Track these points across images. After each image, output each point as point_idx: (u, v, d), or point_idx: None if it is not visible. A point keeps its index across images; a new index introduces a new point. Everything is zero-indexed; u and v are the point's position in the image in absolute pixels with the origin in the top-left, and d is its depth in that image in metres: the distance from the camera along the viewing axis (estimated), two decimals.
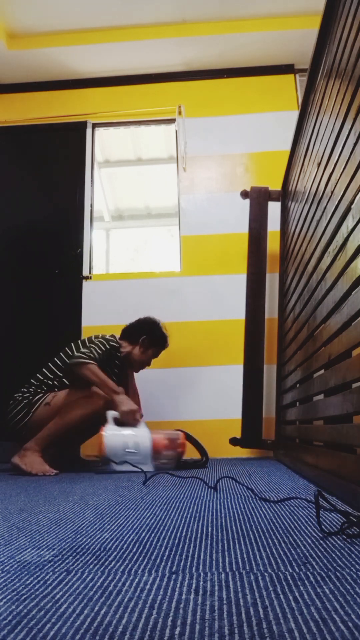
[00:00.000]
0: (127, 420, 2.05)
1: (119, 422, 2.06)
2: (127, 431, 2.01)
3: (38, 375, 2.26)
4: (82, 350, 2.16)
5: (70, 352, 2.26)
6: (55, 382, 2.21)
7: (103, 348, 2.19)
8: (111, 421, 2.03)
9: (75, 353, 2.17)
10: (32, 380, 2.24)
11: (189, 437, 2.15)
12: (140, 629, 0.43)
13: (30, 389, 2.20)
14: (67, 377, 2.21)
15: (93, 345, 2.18)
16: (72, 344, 2.31)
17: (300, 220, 2.04)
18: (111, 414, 2.04)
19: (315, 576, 0.57)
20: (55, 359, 2.29)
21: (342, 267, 1.23)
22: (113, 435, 1.96)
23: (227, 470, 1.92)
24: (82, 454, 2.65)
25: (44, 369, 2.27)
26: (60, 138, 3.36)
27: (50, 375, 2.23)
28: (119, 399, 2.07)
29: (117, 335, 2.41)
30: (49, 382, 2.21)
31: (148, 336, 2.36)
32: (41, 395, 2.15)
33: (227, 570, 0.61)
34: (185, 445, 2.10)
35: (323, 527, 0.83)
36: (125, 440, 1.96)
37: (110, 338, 2.30)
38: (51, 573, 0.62)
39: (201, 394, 2.79)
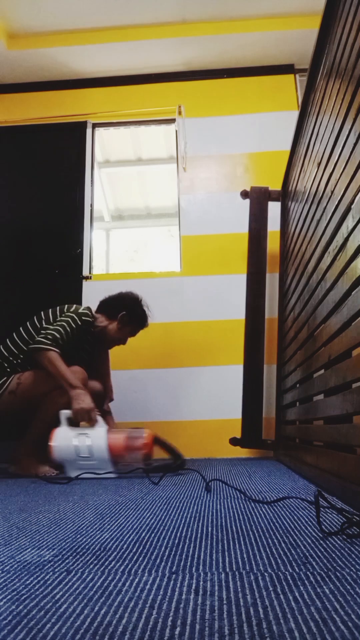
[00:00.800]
0: (82, 419, 1.84)
1: (73, 422, 1.88)
2: (79, 434, 1.78)
3: (1, 349, 2.06)
4: (49, 329, 1.96)
5: (38, 323, 2.06)
6: (18, 361, 2.00)
7: (73, 325, 2.01)
8: (64, 422, 1.82)
9: (41, 331, 1.96)
10: None
11: (156, 440, 1.87)
12: (140, 629, 0.43)
13: None
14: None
15: (62, 323, 1.99)
16: (42, 313, 2.11)
17: (300, 220, 2.04)
18: (64, 413, 1.83)
19: (315, 576, 0.57)
20: (21, 329, 2.08)
21: (342, 267, 1.23)
22: (62, 440, 1.75)
23: (227, 470, 1.92)
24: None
25: (7, 341, 2.05)
26: (60, 138, 3.36)
27: (14, 351, 2.02)
28: (74, 393, 1.85)
29: (93, 308, 2.24)
30: (13, 360, 2.01)
31: (128, 312, 2.19)
32: (5, 379, 1.97)
33: (227, 570, 0.61)
34: (150, 444, 1.81)
35: (323, 527, 0.83)
36: (76, 445, 1.74)
37: (83, 312, 2.09)
38: (51, 573, 0.62)
39: (201, 394, 2.79)
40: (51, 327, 1.98)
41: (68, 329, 1.98)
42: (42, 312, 2.13)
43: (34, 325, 2.09)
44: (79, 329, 2.04)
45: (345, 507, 1.02)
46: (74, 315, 2.06)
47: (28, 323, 2.12)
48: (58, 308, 2.14)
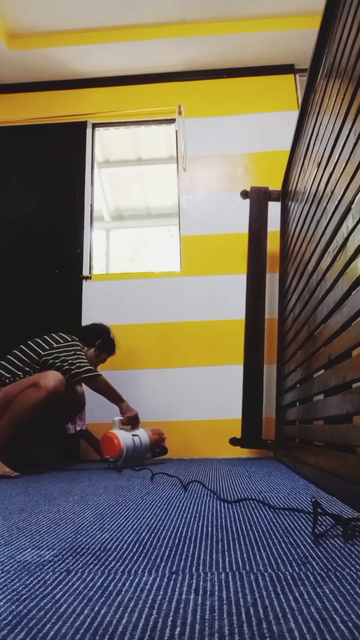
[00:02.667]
0: (131, 423, 2.30)
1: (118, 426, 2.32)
2: (133, 434, 2.28)
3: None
4: (81, 359, 2.18)
5: (38, 349, 2.18)
6: (8, 381, 2.12)
7: (80, 348, 2.27)
8: (117, 425, 2.29)
9: (74, 361, 2.14)
10: None
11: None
12: (140, 629, 0.43)
13: None
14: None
15: (80, 352, 2.23)
16: (40, 341, 2.22)
17: (300, 220, 2.04)
18: (117, 419, 2.30)
19: (315, 576, 0.57)
20: (18, 352, 2.19)
21: (342, 267, 1.23)
22: (127, 438, 2.23)
23: (227, 470, 1.92)
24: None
25: (2, 362, 2.18)
26: (60, 138, 3.36)
27: (10, 369, 2.14)
28: (124, 405, 2.30)
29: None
30: (3, 379, 2.11)
31: (103, 341, 2.49)
32: None
33: (227, 570, 0.61)
34: (165, 438, 2.42)
35: (321, 529, 0.83)
36: (135, 440, 2.25)
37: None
38: (51, 573, 0.62)
39: (201, 394, 2.79)
40: (81, 358, 2.20)
41: (84, 355, 2.27)
42: (39, 340, 2.24)
43: (35, 350, 2.19)
44: None
45: (345, 508, 1.02)
46: (78, 343, 2.28)
47: (24, 348, 2.21)
48: (56, 336, 2.27)
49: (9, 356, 2.19)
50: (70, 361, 2.14)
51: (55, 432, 2.44)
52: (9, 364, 2.15)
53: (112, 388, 2.26)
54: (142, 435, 2.30)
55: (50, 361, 2.13)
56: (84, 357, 2.21)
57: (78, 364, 2.14)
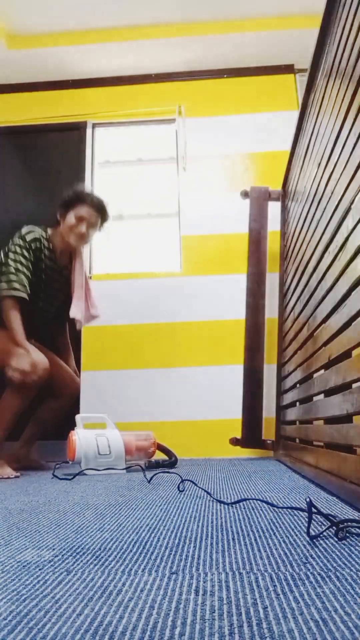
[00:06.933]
0: (15, 378, 1.85)
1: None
2: (98, 435, 1.97)
3: None
4: (5, 270, 1.88)
5: None
6: None
7: (19, 251, 1.93)
8: (80, 424, 2.01)
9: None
10: None
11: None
12: (140, 629, 0.43)
13: None
14: None
15: (11, 258, 1.90)
16: None
17: (300, 220, 2.04)
18: (80, 417, 2.05)
19: (315, 576, 0.57)
20: None
21: (342, 267, 1.23)
22: (85, 439, 1.92)
23: (227, 470, 1.92)
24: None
25: None
26: (60, 138, 3.36)
27: None
28: (16, 351, 1.84)
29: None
30: None
31: (59, 204, 2.19)
32: None
33: (227, 570, 0.61)
34: (156, 444, 2.13)
35: (320, 529, 0.83)
36: (98, 443, 1.93)
37: (26, 231, 2.01)
38: (51, 573, 0.62)
39: (201, 394, 2.79)
40: (5, 271, 1.89)
41: (17, 259, 1.91)
42: None
43: None
44: (30, 251, 1.96)
45: (345, 507, 1.02)
46: (18, 241, 1.96)
47: None
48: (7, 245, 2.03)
49: None
50: None
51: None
52: None
53: (11, 321, 1.83)
54: (113, 437, 1.98)
55: None
56: (13, 264, 1.90)
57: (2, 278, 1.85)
